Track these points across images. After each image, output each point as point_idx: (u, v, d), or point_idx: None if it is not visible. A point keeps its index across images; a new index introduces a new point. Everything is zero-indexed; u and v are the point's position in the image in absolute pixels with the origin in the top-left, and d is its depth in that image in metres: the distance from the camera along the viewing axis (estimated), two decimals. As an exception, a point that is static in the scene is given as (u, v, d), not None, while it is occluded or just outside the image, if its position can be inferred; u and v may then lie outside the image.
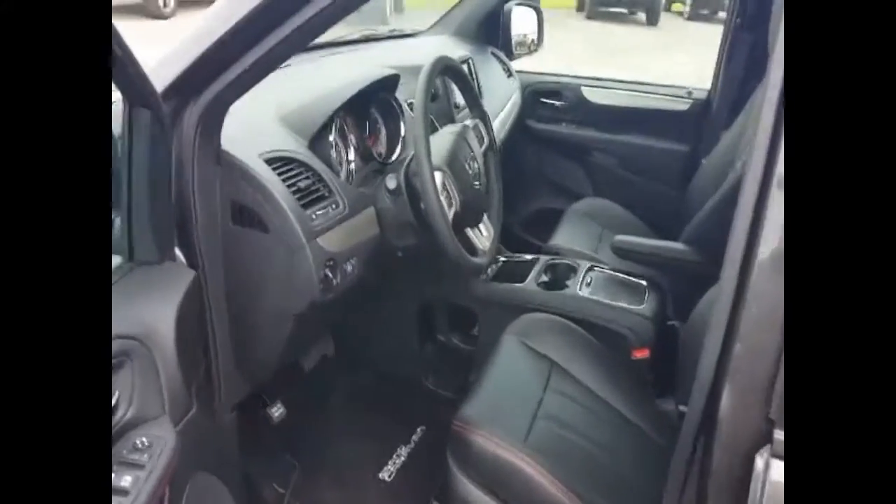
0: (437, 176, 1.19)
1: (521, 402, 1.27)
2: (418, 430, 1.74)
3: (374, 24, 2.18)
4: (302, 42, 0.91)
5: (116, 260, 0.91)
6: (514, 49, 2.40)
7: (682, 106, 2.28)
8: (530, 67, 2.52)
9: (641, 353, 1.47)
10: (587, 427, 1.25)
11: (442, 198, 1.19)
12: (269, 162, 1.08)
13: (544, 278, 1.66)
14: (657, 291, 1.61)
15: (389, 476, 1.61)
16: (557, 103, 2.43)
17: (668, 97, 2.32)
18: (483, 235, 1.40)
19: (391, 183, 1.23)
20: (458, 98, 1.71)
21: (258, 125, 1.17)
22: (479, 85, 1.98)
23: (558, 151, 2.49)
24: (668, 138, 2.26)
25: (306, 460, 1.59)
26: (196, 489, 0.98)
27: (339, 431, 1.69)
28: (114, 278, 0.88)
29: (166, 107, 0.94)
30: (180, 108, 0.96)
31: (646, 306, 1.53)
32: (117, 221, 0.89)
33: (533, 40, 2.46)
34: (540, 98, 2.45)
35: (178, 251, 0.99)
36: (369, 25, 2.08)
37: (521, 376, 1.34)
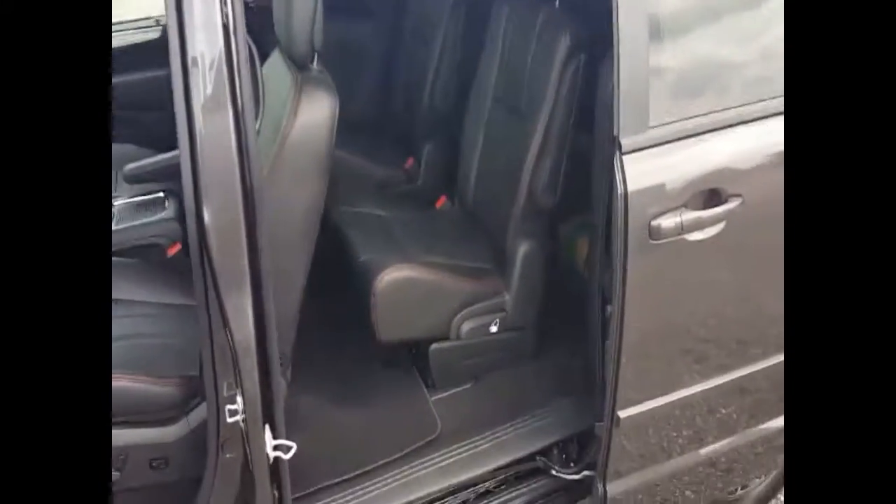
0: None
1: None
2: None
3: None
4: None
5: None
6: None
7: (154, 35, 2.32)
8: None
9: (175, 249, 1.69)
10: (135, 328, 1.44)
11: None
12: None
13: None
14: (175, 196, 1.74)
15: None
16: None
17: (138, 30, 2.34)
18: None
19: None
20: None
21: None
22: None
23: None
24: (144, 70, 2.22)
25: None
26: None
27: None
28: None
29: None
30: None
31: (168, 210, 1.74)
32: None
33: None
34: None
35: None
36: None
37: None
